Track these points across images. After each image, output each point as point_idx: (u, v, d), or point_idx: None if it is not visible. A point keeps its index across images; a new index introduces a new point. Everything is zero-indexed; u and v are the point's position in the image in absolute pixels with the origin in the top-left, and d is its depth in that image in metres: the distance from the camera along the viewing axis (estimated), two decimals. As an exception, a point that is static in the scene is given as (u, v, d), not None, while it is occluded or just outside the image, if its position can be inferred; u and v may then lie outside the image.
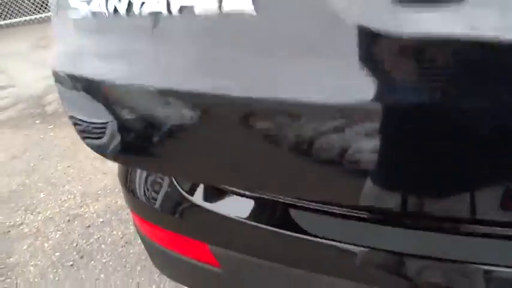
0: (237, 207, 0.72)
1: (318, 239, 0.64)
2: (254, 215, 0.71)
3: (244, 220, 0.71)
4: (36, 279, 1.68)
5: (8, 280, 1.69)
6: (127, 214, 1.91)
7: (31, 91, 3.80)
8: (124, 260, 1.71)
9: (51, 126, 3.06)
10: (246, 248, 0.73)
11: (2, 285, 1.67)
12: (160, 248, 0.89)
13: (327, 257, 0.65)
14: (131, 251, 1.74)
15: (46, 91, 3.71)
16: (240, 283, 0.82)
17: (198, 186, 0.78)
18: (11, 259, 1.81)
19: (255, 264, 0.72)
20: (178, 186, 0.80)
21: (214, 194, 0.75)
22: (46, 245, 1.86)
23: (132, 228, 1.85)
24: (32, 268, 1.74)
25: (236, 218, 0.71)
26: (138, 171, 0.91)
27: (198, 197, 0.77)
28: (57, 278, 1.66)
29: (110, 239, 1.84)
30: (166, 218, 0.84)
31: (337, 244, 0.63)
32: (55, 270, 1.71)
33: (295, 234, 0.66)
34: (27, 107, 3.51)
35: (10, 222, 2.05)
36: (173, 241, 0.84)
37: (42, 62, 4.06)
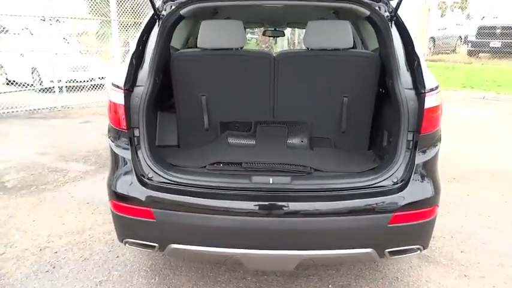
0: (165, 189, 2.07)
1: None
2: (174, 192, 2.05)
3: (169, 196, 2.04)
4: (22, 279, 2.69)
5: (2, 279, 2.68)
6: (82, 247, 3.02)
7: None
8: (84, 268, 2.80)
9: (14, 196, 4.05)
10: (168, 207, 2.05)
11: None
12: (124, 216, 2.14)
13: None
14: (90, 263, 2.85)
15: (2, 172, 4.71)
16: (164, 226, 2.10)
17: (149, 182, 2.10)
18: (1, 270, 2.80)
19: (172, 215, 2.04)
20: (138, 183, 2.11)
21: (157, 186, 2.08)
22: (26, 262, 2.88)
23: (87, 251, 2.97)
24: (18, 274, 2.75)
25: (165, 195, 2.05)
26: (117, 178, 2.18)
27: (146, 189, 2.09)
28: (36, 281, 2.70)
29: (73, 258, 2.93)
30: (132, 199, 2.12)
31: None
32: (35, 276, 2.74)
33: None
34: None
35: (-4, 251, 3.03)
36: (132, 210, 2.12)
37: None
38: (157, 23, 2.49)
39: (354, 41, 3.04)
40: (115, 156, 2.27)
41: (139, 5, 10.10)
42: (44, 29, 9.11)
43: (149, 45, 2.42)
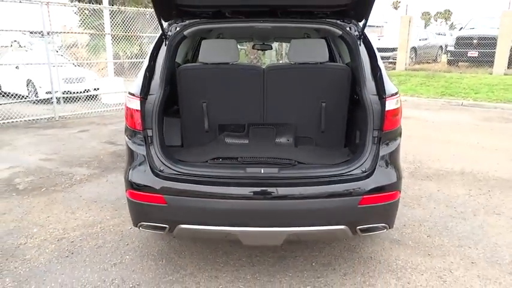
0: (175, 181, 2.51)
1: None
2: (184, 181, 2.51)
3: (178, 185, 2.49)
4: (46, 263, 3.09)
5: (28, 263, 3.07)
6: (95, 237, 3.43)
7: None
8: (99, 254, 3.21)
9: (26, 197, 4.44)
10: (177, 194, 2.49)
11: (23, 266, 3.04)
12: (140, 202, 2.57)
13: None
14: (103, 250, 3.26)
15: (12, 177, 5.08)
16: (174, 209, 2.53)
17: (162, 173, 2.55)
18: (26, 256, 3.19)
19: (181, 200, 2.49)
20: (152, 174, 2.55)
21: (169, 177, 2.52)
22: (46, 249, 3.28)
23: (100, 240, 3.38)
24: (42, 259, 3.15)
25: (175, 184, 2.49)
26: (134, 170, 2.61)
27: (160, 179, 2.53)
28: (58, 264, 3.10)
29: (88, 246, 3.33)
30: (146, 188, 2.56)
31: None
32: (57, 260, 3.14)
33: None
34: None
35: (19, 242, 3.41)
36: (147, 197, 2.55)
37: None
38: (164, 42, 2.94)
39: (333, 55, 3.56)
40: (131, 152, 2.70)
41: (130, 19, 10.55)
42: (34, 42, 9.40)
43: (158, 61, 2.88)
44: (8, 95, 9.32)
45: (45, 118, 8.96)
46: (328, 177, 2.55)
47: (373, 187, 2.55)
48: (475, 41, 14.39)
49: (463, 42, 14.71)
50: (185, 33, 2.96)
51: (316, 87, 3.16)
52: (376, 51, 2.86)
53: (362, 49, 2.87)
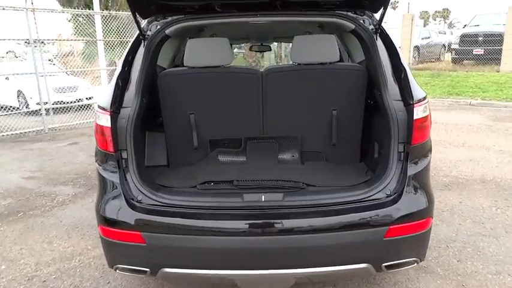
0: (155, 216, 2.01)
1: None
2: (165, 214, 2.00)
3: (159, 219, 1.99)
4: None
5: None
6: (71, 274, 2.94)
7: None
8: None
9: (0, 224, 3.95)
10: (158, 230, 2.00)
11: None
12: (114, 241, 2.08)
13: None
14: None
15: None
16: (155, 250, 2.04)
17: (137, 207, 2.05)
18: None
19: (163, 238, 1.99)
20: (127, 206, 2.05)
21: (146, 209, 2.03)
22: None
23: (77, 278, 2.88)
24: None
25: (155, 218, 1.99)
26: (105, 202, 2.12)
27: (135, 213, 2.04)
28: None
29: (62, 286, 2.84)
30: (120, 224, 2.07)
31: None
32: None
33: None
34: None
35: (-18, 282, 2.92)
36: (121, 235, 2.06)
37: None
38: (142, 43, 2.47)
39: (340, 54, 3.06)
40: (103, 180, 2.22)
41: (124, 24, 10.11)
42: (28, 51, 9.05)
43: (135, 66, 2.40)
44: (-1, 108, 8.92)
45: (34, 131, 8.51)
46: (346, 204, 2.06)
47: (402, 215, 2.06)
48: (480, 38, 13.93)
49: (468, 39, 14.26)
50: (167, 32, 2.49)
51: (326, 92, 2.67)
52: (397, 47, 2.38)
53: (380, 46, 2.39)
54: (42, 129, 8.59)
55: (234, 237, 2.02)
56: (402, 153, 2.18)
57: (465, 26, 16.96)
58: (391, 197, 2.11)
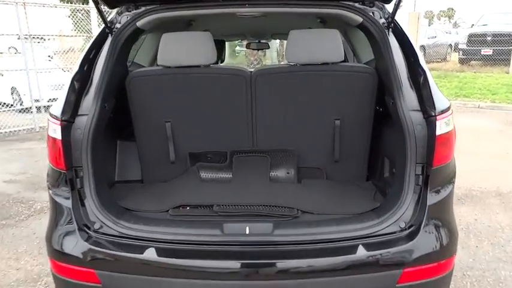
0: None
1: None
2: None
3: (119, 254, 1.60)
4: None
5: None
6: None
7: None
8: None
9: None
10: (116, 268, 1.61)
11: None
12: (64, 279, 1.70)
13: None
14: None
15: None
16: None
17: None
18: None
19: (122, 279, 1.60)
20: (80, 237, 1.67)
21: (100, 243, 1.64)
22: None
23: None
24: None
25: (113, 252, 1.61)
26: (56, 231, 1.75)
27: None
28: None
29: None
30: (71, 259, 1.68)
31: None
32: None
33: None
34: None
35: None
36: (73, 272, 1.67)
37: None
38: (110, 38, 2.08)
39: (344, 53, 2.65)
40: (54, 204, 1.85)
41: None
42: (22, 47, 8.78)
43: (99, 65, 2.01)
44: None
45: (24, 129, 8.18)
46: (350, 240, 1.67)
47: (419, 255, 1.66)
48: (488, 38, 13.48)
49: (476, 39, 13.80)
50: (139, 24, 2.10)
51: (327, 98, 2.27)
52: (415, 46, 1.98)
53: (393, 43, 2.00)
54: (33, 128, 8.27)
55: (210, 281, 1.63)
56: (420, 177, 1.78)
57: (473, 25, 16.50)
58: (406, 232, 1.72)
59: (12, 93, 10.64)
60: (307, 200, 2.03)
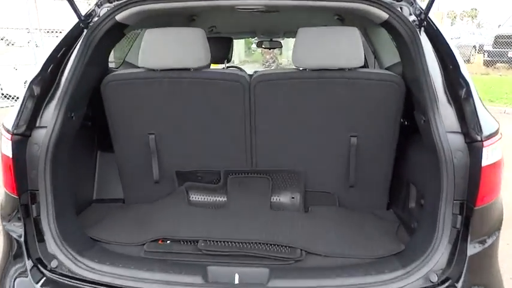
0: None
1: None
2: None
3: None
4: None
5: None
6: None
7: None
8: None
9: None
10: None
11: None
12: None
13: None
14: None
15: None
16: None
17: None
18: None
19: None
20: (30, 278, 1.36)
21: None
22: None
23: None
24: None
25: None
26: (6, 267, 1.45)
27: None
28: None
29: None
30: None
31: None
32: None
33: None
34: None
35: None
36: None
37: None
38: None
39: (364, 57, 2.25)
40: (7, 237, 1.54)
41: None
42: (30, 41, 8.72)
43: (68, 66, 1.67)
44: (8, 97, 8.81)
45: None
46: None
47: None
48: (517, 40, 12.80)
49: (503, 41, 13.13)
50: (119, 18, 1.75)
51: (342, 110, 1.87)
52: (454, 50, 1.58)
53: (426, 45, 1.60)
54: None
55: None
56: (459, 218, 1.39)
57: (500, 26, 15.79)
58: (441, 287, 1.33)
59: (24, 87, 10.65)
60: (314, 237, 1.66)
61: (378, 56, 2.81)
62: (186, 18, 2.90)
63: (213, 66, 4.25)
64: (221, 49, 3.64)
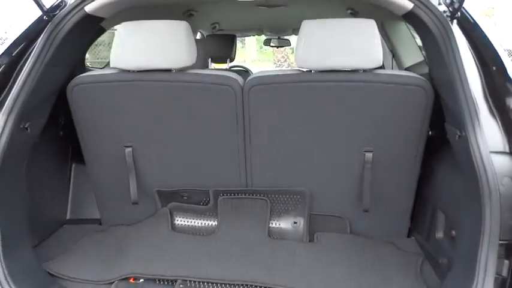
0: None
1: None
2: None
3: None
4: None
5: None
6: None
7: None
8: None
9: None
10: None
11: None
12: None
13: None
14: None
15: None
16: None
17: None
18: None
19: None
20: None
21: None
22: None
23: None
24: None
25: None
26: None
27: None
28: None
29: None
30: None
31: None
32: None
33: None
34: None
35: None
36: None
37: None
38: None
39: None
40: None
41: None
42: None
43: (26, 67, 1.39)
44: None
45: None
46: None
47: None
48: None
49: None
50: (89, 9, 1.47)
51: (355, 120, 1.55)
52: (498, 48, 1.26)
53: (460, 41, 1.29)
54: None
55: None
56: (506, 263, 1.08)
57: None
58: None
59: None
60: (320, 276, 1.35)
61: (397, 54, 2.48)
62: (181, 13, 2.61)
63: (215, 66, 3.98)
64: (223, 47, 3.34)
